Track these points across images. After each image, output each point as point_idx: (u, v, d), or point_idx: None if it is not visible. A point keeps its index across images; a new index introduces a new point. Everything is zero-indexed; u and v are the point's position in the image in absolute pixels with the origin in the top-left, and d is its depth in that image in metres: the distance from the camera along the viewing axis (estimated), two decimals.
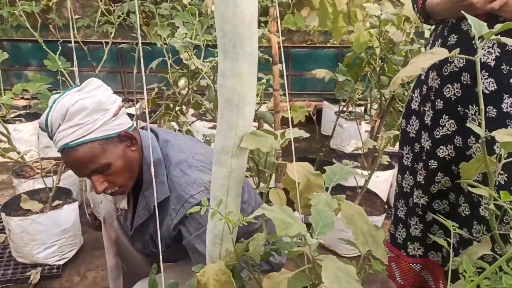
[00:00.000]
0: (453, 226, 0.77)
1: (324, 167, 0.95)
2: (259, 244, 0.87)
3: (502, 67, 1.09)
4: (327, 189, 0.90)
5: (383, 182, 2.73)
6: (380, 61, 2.49)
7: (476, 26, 0.76)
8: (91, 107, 1.16)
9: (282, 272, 0.71)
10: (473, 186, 0.98)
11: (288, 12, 4.62)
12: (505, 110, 1.10)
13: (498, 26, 0.74)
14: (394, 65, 2.31)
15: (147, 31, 4.20)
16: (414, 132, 1.34)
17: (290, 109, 2.46)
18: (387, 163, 2.50)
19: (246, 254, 0.88)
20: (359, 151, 3.02)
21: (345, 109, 4.24)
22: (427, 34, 2.41)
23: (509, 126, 1.10)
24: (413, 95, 1.36)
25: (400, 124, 2.48)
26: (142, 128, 1.42)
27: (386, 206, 2.43)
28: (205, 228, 1.21)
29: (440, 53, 0.78)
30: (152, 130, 1.38)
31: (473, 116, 1.15)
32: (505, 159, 0.94)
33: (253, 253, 0.87)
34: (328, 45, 5.00)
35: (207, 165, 1.27)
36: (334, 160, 2.82)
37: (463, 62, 1.16)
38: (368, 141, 2.34)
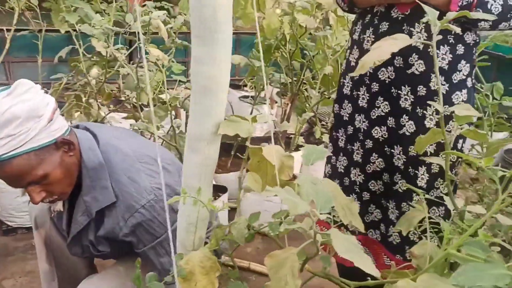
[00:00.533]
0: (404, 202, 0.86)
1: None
2: (242, 227, 0.89)
3: (429, 50, 1.22)
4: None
5: (296, 162, 2.87)
6: (290, 46, 2.59)
7: (431, 14, 0.85)
8: (24, 116, 1.06)
9: (285, 250, 0.74)
10: (422, 155, 1.10)
11: None
12: (432, 88, 1.24)
13: (450, 15, 0.85)
14: (305, 50, 2.43)
15: (32, 17, 3.86)
16: (347, 115, 1.43)
17: None
18: (302, 143, 2.64)
19: (229, 238, 0.90)
20: (269, 134, 3.13)
21: (247, 94, 4.35)
22: (331, 21, 2.57)
23: (436, 102, 1.24)
24: (344, 81, 1.44)
25: (310, 108, 2.64)
26: (77, 127, 1.33)
27: None
28: (160, 240, 1.21)
29: (402, 39, 0.87)
30: (89, 130, 1.30)
31: (406, 96, 1.27)
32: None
33: (237, 236, 0.88)
34: None
35: (154, 167, 1.24)
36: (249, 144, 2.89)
37: None
38: (284, 124, 2.45)
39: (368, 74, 1.32)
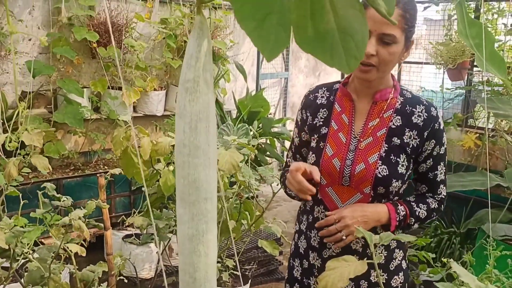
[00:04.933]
0: None
1: None
2: None
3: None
4: None
5: None
6: None
7: (369, 237, 1.05)
8: None
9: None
10: None
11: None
12: (373, 280, 1.40)
13: (385, 236, 1.06)
14: None
15: None
16: None
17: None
18: None
19: None
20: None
21: (130, 233, 4.23)
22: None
23: None
24: (293, 263, 1.56)
25: None
26: None
27: None
28: None
29: (355, 265, 1.03)
30: None
31: None
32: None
33: None
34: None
35: None
36: None
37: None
38: None
39: (316, 267, 1.47)
